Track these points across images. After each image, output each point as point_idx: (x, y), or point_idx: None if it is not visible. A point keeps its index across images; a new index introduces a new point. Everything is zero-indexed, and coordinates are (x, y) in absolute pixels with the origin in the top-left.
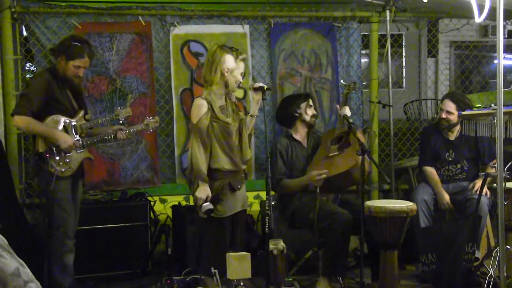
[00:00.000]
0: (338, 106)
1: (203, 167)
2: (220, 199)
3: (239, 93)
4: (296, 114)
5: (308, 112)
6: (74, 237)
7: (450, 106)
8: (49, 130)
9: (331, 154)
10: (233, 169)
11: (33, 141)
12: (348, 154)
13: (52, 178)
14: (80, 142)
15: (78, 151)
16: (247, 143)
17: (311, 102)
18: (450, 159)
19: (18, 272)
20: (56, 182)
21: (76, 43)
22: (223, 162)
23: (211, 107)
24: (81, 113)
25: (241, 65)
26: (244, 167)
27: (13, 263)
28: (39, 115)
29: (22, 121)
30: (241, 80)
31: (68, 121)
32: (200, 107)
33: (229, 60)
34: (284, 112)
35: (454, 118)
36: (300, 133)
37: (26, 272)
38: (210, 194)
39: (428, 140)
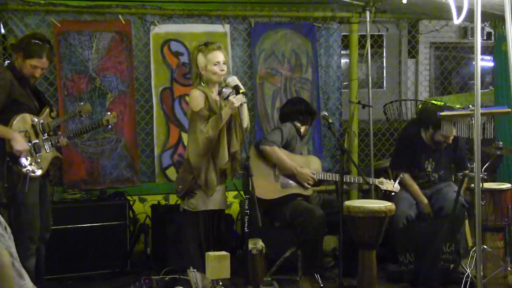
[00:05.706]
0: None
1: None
2: (194, 193)
3: None
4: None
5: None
6: (44, 239)
7: (452, 131)
8: (6, 130)
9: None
10: None
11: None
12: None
13: (25, 180)
14: (50, 141)
15: (48, 150)
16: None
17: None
18: (429, 169)
19: None
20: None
21: (37, 41)
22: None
23: (206, 98)
24: (46, 110)
25: (215, 55)
26: (225, 166)
27: None
28: (2, 113)
29: None
30: (223, 69)
31: (36, 119)
32: (199, 96)
33: (200, 59)
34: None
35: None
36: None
37: None
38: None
39: (409, 144)
